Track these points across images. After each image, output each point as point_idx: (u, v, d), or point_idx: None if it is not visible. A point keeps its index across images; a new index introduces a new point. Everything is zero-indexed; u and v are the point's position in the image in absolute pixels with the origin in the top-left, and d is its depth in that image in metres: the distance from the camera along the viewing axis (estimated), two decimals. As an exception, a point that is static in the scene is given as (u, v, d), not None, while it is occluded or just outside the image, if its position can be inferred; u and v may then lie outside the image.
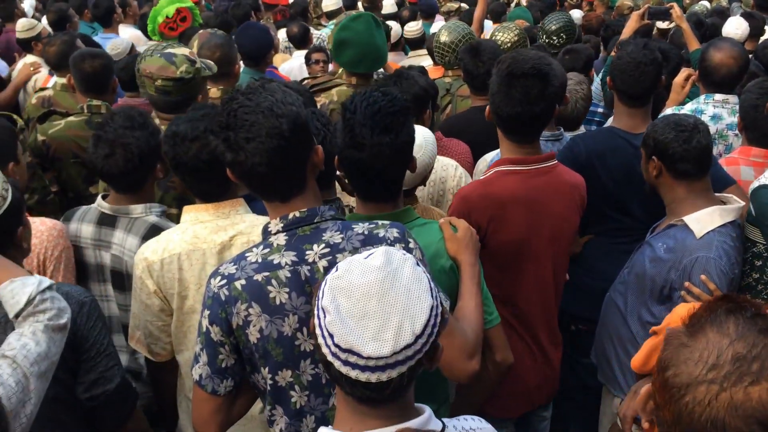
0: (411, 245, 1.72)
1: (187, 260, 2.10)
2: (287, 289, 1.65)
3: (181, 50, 2.87)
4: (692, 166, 2.32)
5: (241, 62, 4.47)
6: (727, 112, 3.40)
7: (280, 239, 1.67)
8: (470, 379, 1.85)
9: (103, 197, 2.47)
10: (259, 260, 1.66)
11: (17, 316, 1.66)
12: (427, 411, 1.28)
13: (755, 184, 2.45)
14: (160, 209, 2.45)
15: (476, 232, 2.28)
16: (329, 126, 2.25)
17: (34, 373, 1.60)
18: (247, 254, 1.68)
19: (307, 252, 1.66)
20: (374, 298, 1.16)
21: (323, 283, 1.22)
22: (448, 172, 2.88)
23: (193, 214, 2.16)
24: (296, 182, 1.68)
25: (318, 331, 1.20)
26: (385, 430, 1.21)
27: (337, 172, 2.22)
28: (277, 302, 1.65)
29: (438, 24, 6.69)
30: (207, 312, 1.68)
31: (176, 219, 2.43)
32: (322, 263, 1.66)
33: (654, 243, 2.43)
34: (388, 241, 1.68)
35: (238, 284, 1.65)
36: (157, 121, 2.97)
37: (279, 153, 1.58)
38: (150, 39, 5.53)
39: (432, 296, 1.20)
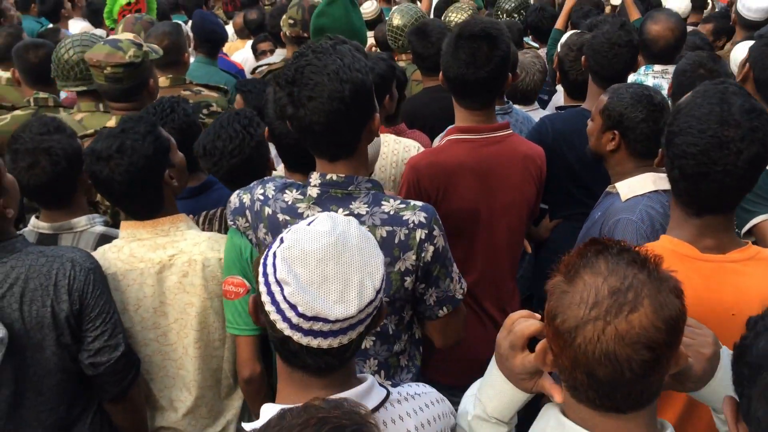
0: (435, 232, 1.75)
1: (124, 281, 2.04)
2: None
3: (125, 35, 2.85)
4: (654, 145, 2.17)
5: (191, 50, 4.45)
6: (666, 81, 3.45)
7: (314, 192, 1.74)
8: None
9: (36, 217, 2.31)
10: (290, 202, 1.76)
11: None
12: (370, 379, 1.29)
13: None
14: (102, 219, 2.34)
15: (426, 200, 2.32)
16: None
17: None
18: (287, 189, 1.78)
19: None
20: (331, 261, 1.16)
21: (269, 258, 1.19)
22: (410, 153, 2.89)
23: (130, 231, 2.08)
24: (347, 147, 1.72)
25: (271, 307, 1.18)
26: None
27: None
28: None
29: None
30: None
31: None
32: None
33: (592, 213, 2.42)
34: (411, 224, 1.72)
35: (266, 210, 1.79)
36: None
37: (338, 116, 1.63)
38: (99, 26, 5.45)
39: (381, 252, 1.24)
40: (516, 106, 3.53)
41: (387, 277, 1.71)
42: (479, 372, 2.57)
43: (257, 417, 2.13)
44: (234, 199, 1.90)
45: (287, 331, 1.17)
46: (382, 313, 1.27)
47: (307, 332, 1.16)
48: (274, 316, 1.18)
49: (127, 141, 2.00)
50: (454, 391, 2.58)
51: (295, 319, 1.15)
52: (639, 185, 2.23)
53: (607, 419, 1.14)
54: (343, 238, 1.19)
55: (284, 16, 3.99)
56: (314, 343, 1.17)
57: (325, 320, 1.15)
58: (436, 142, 3.07)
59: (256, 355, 2.04)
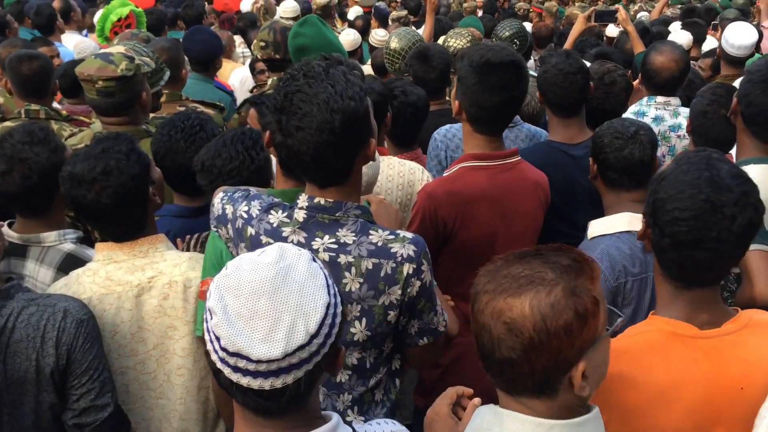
0: (423, 267, 1.67)
1: (99, 305, 1.94)
2: None
3: (116, 48, 2.79)
4: (620, 176, 2.22)
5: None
6: (669, 114, 3.46)
7: (300, 216, 1.65)
8: None
9: (9, 225, 2.23)
10: (275, 225, 1.66)
11: None
12: (335, 418, 1.21)
13: None
14: (75, 235, 2.24)
15: (442, 229, 2.30)
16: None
17: None
18: (272, 210, 1.69)
19: (316, 239, 1.64)
20: (264, 296, 1.08)
21: (212, 284, 1.14)
22: (416, 175, 2.87)
23: (106, 253, 1.99)
24: (338, 175, 1.64)
25: (207, 335, 1.12)
26: None
27: None
28: None
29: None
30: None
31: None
32: (324, 256, 1.63)
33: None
34: (400, 258, 1.63)
35: (249, 230, 1.69)
36: (98, 125, 2.88)
37: (327, 148, 1.55)
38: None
39: (329, 293, 1.13)
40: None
41: (369, 311, 1.66)
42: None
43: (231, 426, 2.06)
44: (217, 204, 1.80)
45: (218, 364, 1.10)
46: (336, 361, 1.17)
47: (234, 369, 1.08)
48: (208, 345, 1.12)
49: (111, 161, 1.90)
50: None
51: (220, 353, 1.09)
52: (611, 224, 2.21)
53: (517, 403, 1.25)
54: (285, 272, 1.11)
55: (256, 39, 3.92)
56: (243, 381, 1.09)
57: (248, 359, 1.06)
58: (436, 136, 3.07)
59: None
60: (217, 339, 1.08)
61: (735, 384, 1.50)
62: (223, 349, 1.08)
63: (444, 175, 2.47)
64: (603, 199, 2.33)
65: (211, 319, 1.10)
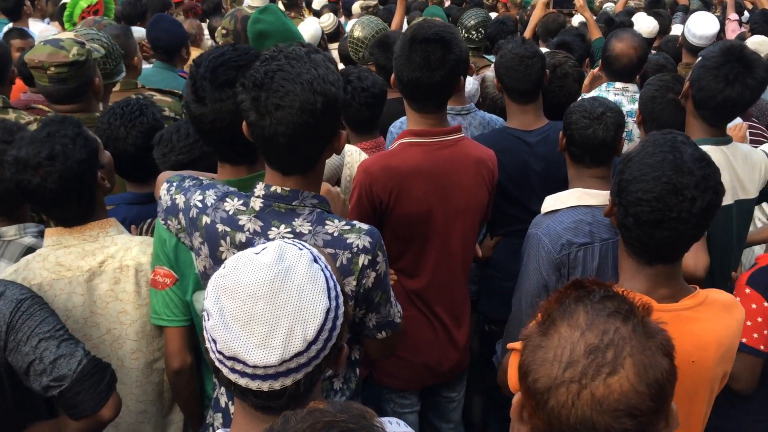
0: (378, 258, 1.65)
1: (50, 291, 1.93)
2: (235, 251, 1.60)
3: (65, 34, 2.75)
4: (582, 153, 2.28)
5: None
6: (626, 99, 3.54)
7: (257, 204, 1.63)
8: None
9: None
10: (231, 212, 1.64)
11: None
12: None
13: None
14: (36, 229, 2.21)
15: (378, 204, 2.31)
16: None
17: None
18: (228, 198, 1.67)
19: (272, 228, 1.61)
20: (262, 299, 1.06)
21: (210, 281, 1.12)
22: (354, 157, 2.88)
23: (55, 238, 1.97)
24: (306, 162, 1.61)
25: (204, 335, 1.12)
26: None
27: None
28: (222, 258, 1.63)
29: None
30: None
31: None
32: None
33: None
34: (355, 248, 1.61)
35: (204, 218, 1.67)
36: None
37: (305, 129, 1.50)
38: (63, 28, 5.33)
39: (329, 297, 1.11)
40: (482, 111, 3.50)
41: None
42: (428, 376, 2.56)
43: (190, 418, 2.08)
44: (165, 197, 1.76)
45: (216, 363, 1.11)
46: (338, 360, 1.16)
47: (232, 370, 1.08)
48: (206, 344, 1.12)
49: (57, 146, 1.88)
50: (403, 394, 2.59)
51: (217, 354, 1.09)
52: (562, 200, 2.27)
53: None
54: (284, 274, 1.08)
55: (218, 27, 3.95)
56: (241, 382, 1.09)
57: (245, 363, 1.06)
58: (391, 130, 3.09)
59: (186, 345, 1.96)
60: (214, 342, 1.08)
61: (687, 357, 1.56)
62: (220, 352, 1.07)
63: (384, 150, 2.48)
64: (568, 171, 2.39)
65: (208, 320, 1.09)
